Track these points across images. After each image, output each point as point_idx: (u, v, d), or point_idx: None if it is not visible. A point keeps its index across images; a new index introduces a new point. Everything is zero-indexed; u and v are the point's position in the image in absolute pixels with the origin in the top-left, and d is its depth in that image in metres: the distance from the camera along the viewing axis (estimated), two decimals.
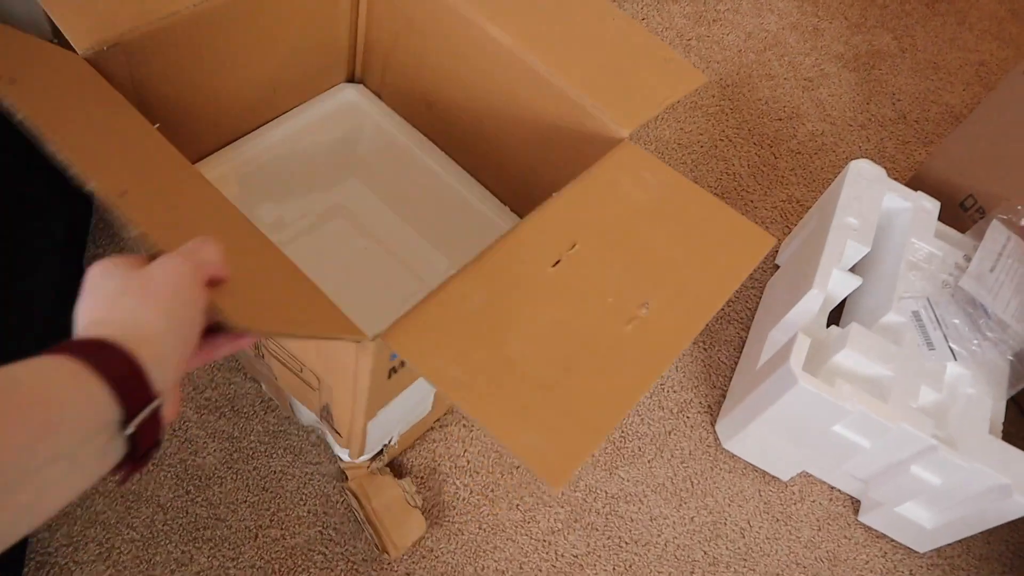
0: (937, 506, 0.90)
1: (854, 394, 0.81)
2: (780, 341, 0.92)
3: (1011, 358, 0.88)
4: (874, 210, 0.94)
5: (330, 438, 0.84)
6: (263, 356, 0.76)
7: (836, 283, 0.89)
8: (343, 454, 0.85)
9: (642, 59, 0.74)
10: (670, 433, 0.99)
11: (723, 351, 1.06)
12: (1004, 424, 0.87)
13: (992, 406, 0.86)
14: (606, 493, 0.94)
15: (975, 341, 0.88)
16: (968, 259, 0.94)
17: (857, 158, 1.00)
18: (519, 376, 0.52)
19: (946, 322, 0.89)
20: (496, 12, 0.73)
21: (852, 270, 0.93)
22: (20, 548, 0.80)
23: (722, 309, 1.09)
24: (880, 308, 0.90)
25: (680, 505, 0.95)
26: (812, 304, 0.89)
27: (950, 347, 0.87)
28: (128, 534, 0.82)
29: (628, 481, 0.95)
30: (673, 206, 0.65)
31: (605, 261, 0.59)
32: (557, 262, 0.58)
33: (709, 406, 1.02)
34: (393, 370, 0.62)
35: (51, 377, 0.33)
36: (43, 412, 0.32)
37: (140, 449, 0.36)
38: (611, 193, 0.64)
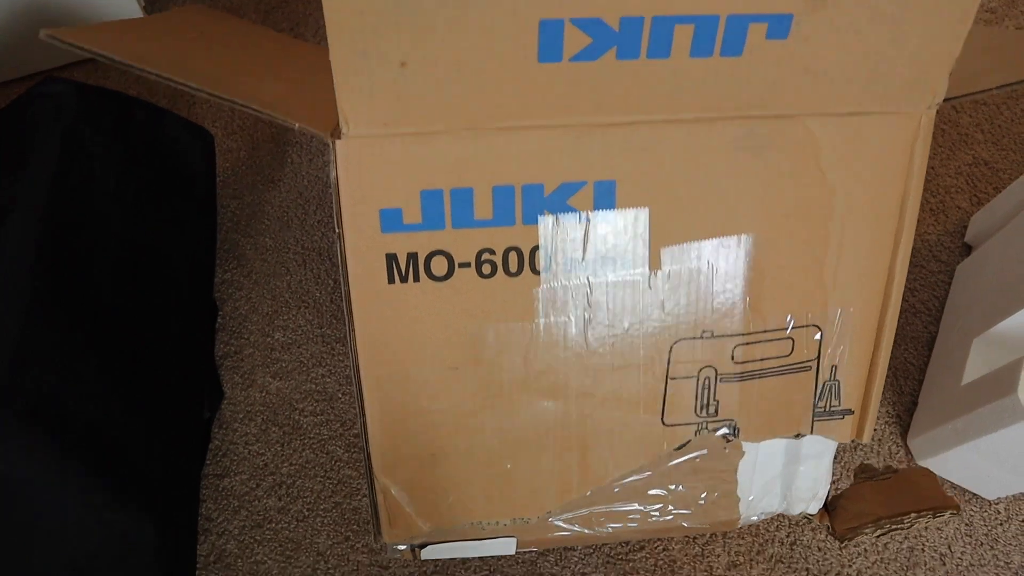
0: None
1: None
2: (991, 355, 0.80)
3: None
4: None
5: None
6: None
7: None
8: None
9: None
10: (856, 448, 0.90)
11: (910, 350, 0.95)
12: None
13: None
14: (789, 520, 0.86)
15: None
16: None
17: None
18: None
19: None
20: None
21: None
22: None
23: (906, 299, 0.97)
24: None
25: None
26: None
27: None
28: None
29: None
30: None
31: None
32: None
33: (898, 415, 0.91)
34: None
35: None
36: None
37: None
38: None
